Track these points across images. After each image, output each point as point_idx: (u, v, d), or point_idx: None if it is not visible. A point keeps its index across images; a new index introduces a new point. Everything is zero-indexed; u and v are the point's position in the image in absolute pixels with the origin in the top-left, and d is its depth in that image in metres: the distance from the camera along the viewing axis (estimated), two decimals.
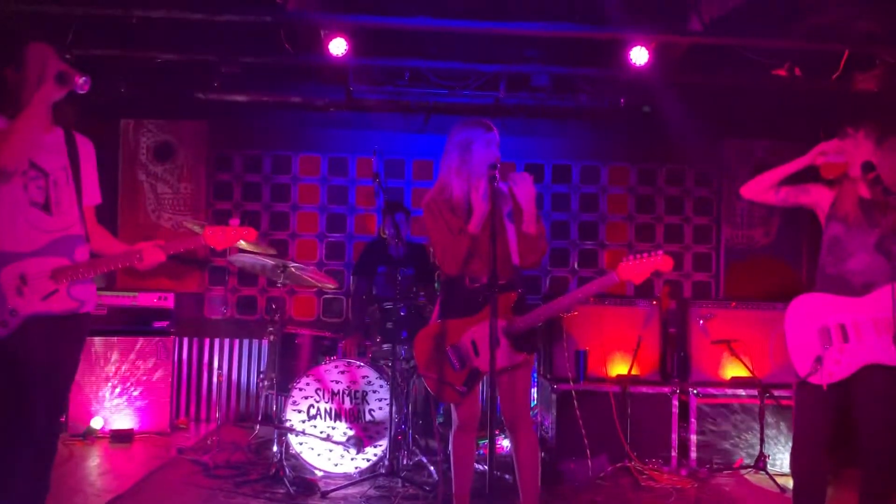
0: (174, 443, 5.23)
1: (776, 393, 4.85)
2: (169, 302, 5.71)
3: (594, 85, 6.01)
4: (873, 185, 3.07)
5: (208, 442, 5.09)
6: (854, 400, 3.11)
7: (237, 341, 6.33)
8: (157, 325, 5.63)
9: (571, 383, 4.86)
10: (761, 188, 3.39)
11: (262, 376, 4.99)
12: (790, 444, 4.81)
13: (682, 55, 5.47)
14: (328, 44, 5.21)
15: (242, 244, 4.47)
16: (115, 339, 5.46)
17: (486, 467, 2.89)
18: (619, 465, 4.73)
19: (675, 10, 5.07)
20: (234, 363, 6.31)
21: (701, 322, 5.18)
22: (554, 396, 4.88)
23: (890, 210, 3.09)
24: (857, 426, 3.12)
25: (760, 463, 4.76)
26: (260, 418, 5.13)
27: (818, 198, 3.29)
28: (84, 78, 2.71)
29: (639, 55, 5.19)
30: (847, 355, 3.07)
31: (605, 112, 6.13)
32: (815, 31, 4.98)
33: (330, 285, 5.00)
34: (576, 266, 6.70)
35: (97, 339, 5.41)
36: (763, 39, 5.16)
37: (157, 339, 5.56)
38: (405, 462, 4.50)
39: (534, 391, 5.86)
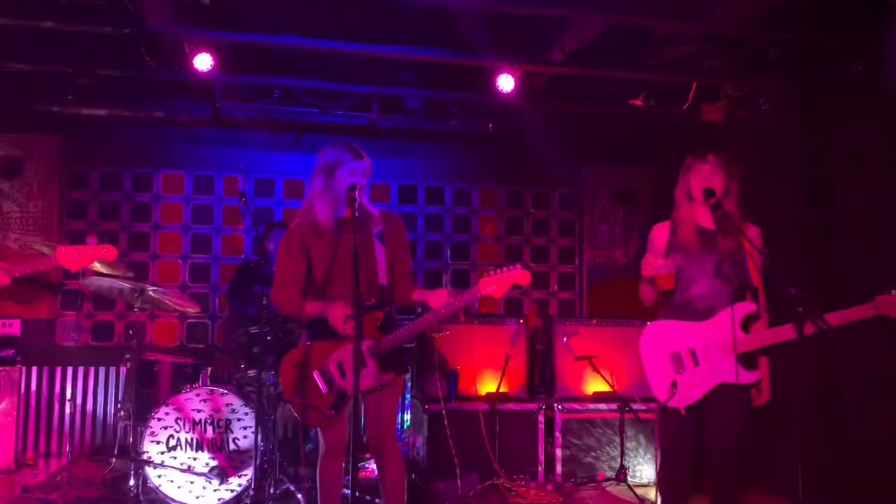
0: (19, 481, 4.84)
1: (635, 406, 5.08)
2: (15, 328, 5.33)
3: (465, 109, 6.15)
4: (714, 210, 3.28)
5: (58, 478, 4.73)
6: (705, 417, 3.28)
7: (92, 369, 5.94)
8: (2, 353, 5.21)
9: (442, 403, 4.90)
10: (653, 293, 3.46)
11: (118, 406, 4.72)
12: (648, 455, 5.11)
13: (545, 83, 5.71)
14: (193, 59, 5.06)
15: (97, 266, 4.23)
16: None
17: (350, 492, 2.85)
18: (488, 482, 4.80)
19: (539, 41, 5.28)
20: (88, 393, 5.91)
21: (565, 339, 5.36)
22: (425, 417, 4.89)
23: (726, 235, 3.31)
24: (707, 440, 3.30)
25: (622, 475, 4.96)
26: (116, 451, 4.83)
27: (661, 238, 3.46)
28: None
29: (505, 82, 5.37)
30: (699, 378, 3.23)
31: (475, 136, 6.30)
32: (666, 64, 5.32)
33: (192, 309, 4.81)
34: (449, 286, 6.78)
35: None
36: (619, 70, 5.48)
37: (1, 368, 5.14)
38: (272, 491, 4.36)
39: (406, 414, 5.86)
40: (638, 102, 5.92)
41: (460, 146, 6.71)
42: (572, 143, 6.43)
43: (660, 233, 3.46)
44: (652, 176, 6.89)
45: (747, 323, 3.21)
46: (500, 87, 5.37)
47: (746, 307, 3.19)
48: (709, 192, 3.28)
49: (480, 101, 5.96)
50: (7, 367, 5.17)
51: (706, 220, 3.37)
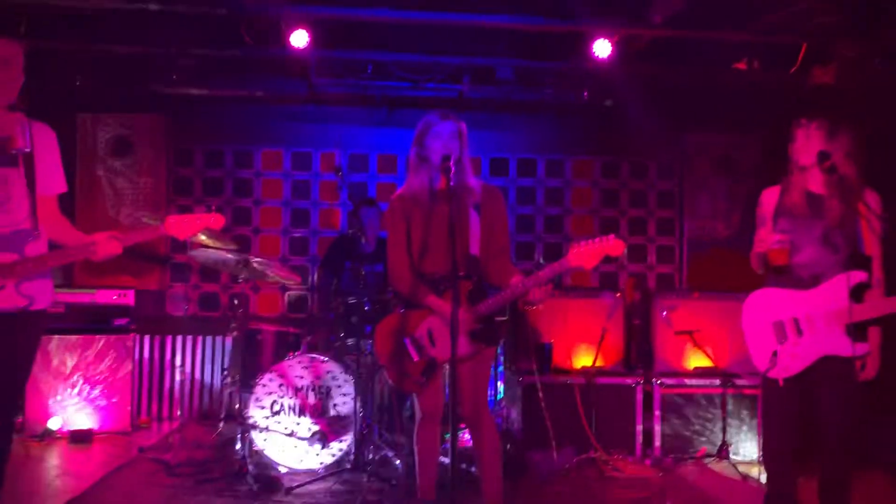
0: (135, 442, 5.13)
1: (738, 382, 4.92)
2: (129, 299, 5.60)
3: (558, 78, 6.03)
4: (829, 174, 3.11)
5: (170, 440, 5.01)
6: (811, 391, 3.15)
7: (199, 338, 6.23)
8: (117, 322, 5.52)
9: (536, 375, 4.87)
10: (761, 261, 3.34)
11: (225, 373, 4.92)
12: (752, 432, 4.94)
13: (643, 49, 5.51)
14: (289, 36, 5.15)
15: (204, 238, 4.39)
16: (73, 337, 5.34)
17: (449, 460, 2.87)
18: (584, 456, 4.75)
19: (637, 5, 5.10)
20: (196, 360, 6.21)
21: (664, 313, 5.22)
22: (519, 389, 4.89)
23: (840, 201, 3.13)
24: (816, 416, 3.17)
25: (723, 451, 4.83)
26: (223, 415, 5.05)
27: (770, 203, 3.31)
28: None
29: (602, 48, 5.22)
30: (802, 349, 3.11)
31: (569, 106, 6.16)
32: (773, 25, 5.05)
33: (293, 280, 4.95)
34: (541, 260, 6.70)
35: (55, 338, 5.28)
36: (723, 33, 5.23)
37: (117, 337, 5.45)
38: (371, 457, 4.47)
39: (500, 384, 5.87)
40: (742, 66, 5.65)
41: (553, 117, 6.60)
42: (671, 110, 6.20)
43: (769, 198, 3.32)
44: (757, 143, 6.58)
45: (858, 293, 3.04)
46: (597, 54, 5.22)
47: (858, 276, 3.04)
48: (823, 156, 3.11)
49: (574, 70, 5.83)
50: (123, 336, 5.47)
51: (817, 185, 3.21)
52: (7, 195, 2.71)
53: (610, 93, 5.93)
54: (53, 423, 5.22)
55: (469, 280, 3.25)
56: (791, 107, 4.73)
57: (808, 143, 3.17)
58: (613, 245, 3.04)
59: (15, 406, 2.94)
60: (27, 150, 2.73)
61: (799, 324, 3.12)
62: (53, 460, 4.73)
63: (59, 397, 5.28)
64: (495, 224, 3.39)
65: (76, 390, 5.31)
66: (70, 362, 5.32)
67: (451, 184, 3.09)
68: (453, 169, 3.13)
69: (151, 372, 6.14)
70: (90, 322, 5.45)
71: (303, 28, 5.13)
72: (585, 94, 5.99)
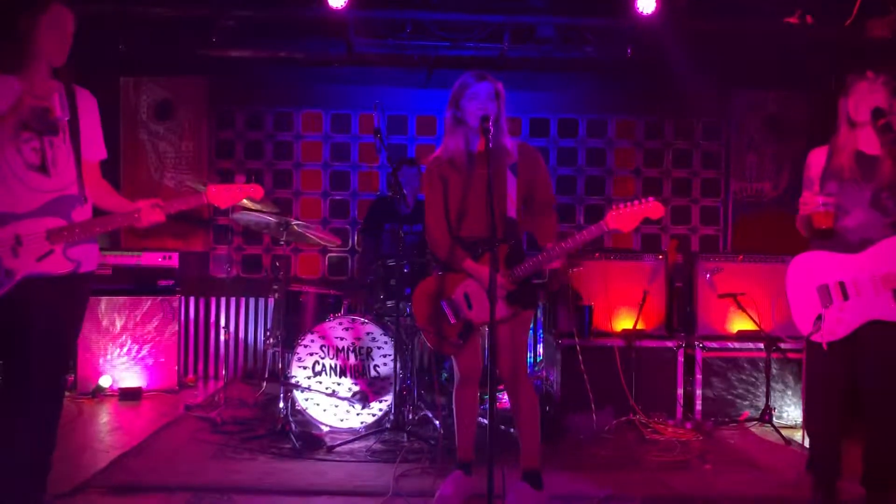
0: (182, 400, 5.28)
1: (783, 346, 4.83)
2: (174, 261, 5.71)
3: (600, 36, 5.87)
4: (883, 132, 2.99)
5: (215, 399, 5.13)
6: (857, 356, 3.09)
7: (243, 300, 6.35)
8: (163, 284, 5.64)
9: (576, 338, 4.85)
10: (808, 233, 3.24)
11: (267, 334, 5.01)
12: (796, 396, 4.87)
13: (689, 2, 5.33)
14: None
15: (246, 202, 4.43)
16: (120, 298, 5.48)
17: (488, 421, 2.88)
18: (623, 418, 4.74)
19: None
20: (240, 321, 6.34)
21: (708, 276, 5.13)
22: (559, 352, 4.88)
23: (889, 162, 3.01)
24: (861, 381, 3.10)
25: (766, 416, 4.76)
26: (266, 375, 5.15)
27: (818, 165, 3.21)
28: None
29: (646, 3, 5.09)
30: (848, 313, 3.04)
31: (611, 64, 6.00)
32: None
33: (333, 243, 4.98)
34: (582, 221, 6.65)
35: (103, 299, 5.43)
36: None
37: (163, 298, 5.57)
38: (410, 417, 4.52)
39: (540, 347, 5.87)
40: (793, 20, 5.42)
41: (595, 76, 6.46)
42: (718, 67, 6.01)
43: (816, 159, 3.21)
44: (807, 102, 6.37)
45: None
46: (641, 10, 5.08)
47: None
48: (878, 113, 3.00)
49: (617, 27, 5.67)
50: (168, 297, 5.59)
51: (869, 145, 3.10)
52: (55, 159, 2.75)
53: (654, 49, 5.74)
54: (104, 381, 5.39)
55: (506, 243, 3.23)
56: (845, 63, 4.55)
57: (867, 98, 3.05)
58: (653, 207, 3.02)
59: (66, 365, 3.02)
60: (65, 118, 2.76)
61: (845, 287, 3.05)
62: (104, 417, 4.89)
63: (108, 356, 5.44)
64: (536, 180, 3.35)
65: (125, 350, 5.47)
66: (119, 323, 5.47)
67: (490, 145, 3.05)
68: (492, 130, 3.08)
69: (197, 332, 6.28)
70: (137, 284, 5.58)
71: None
72: (629, 51, 5.83)
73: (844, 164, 3.11)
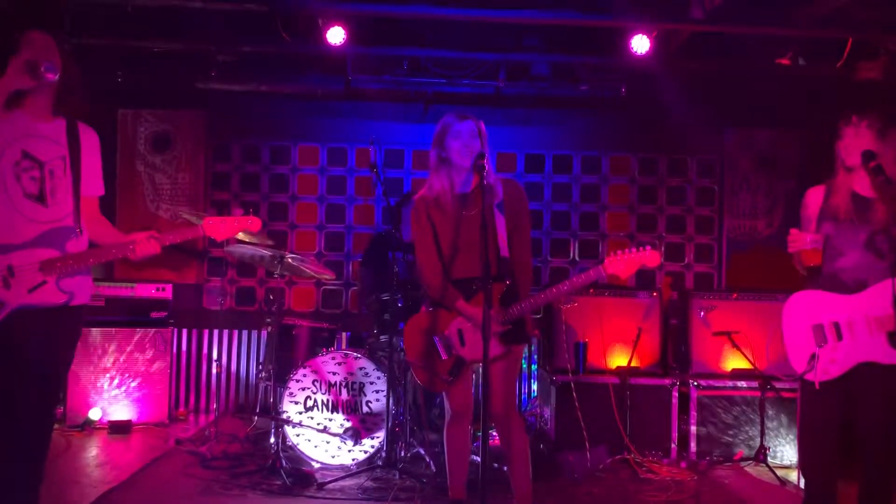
0: (172, 434, 5.22)
1: (777, 385, 4.82)
2: (167, 293, 5.69)
3: (595, 73, 5.96)
4: (874, 175, 3.02)
5: (206, 433, 5.07)
6: (852, 396, 3.08)
7: (236, 332, 6.31)
8: (156, 315, 5.61)
9: (570, 375, 4.83)
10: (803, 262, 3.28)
11: (260, 367, 4.97)
12: (791, 436, 4.84)
13: (683, 43, 5.42)
14: (326, 32, 5.17)
15: (241, 235, 4.43)
16: (113, 330, 5.44)
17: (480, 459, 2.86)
18: (618, 457, 4.69)
19: None
20: (232, 354, 6.29)
21: (702, 313, 5.13)
22: (553, 388, 4.85)
23: (885, 203, 3.04)
24: (856, 422, 3.09)
25: (761, 455, 4.73)
26: (258, 409, 5.11)
27: (815, 204, 3.23)
28: (46, 64, 2.65)
29: (640, 43, 5.15)
30: (841, 353, 3.04)
31: (606, 101, 6.08)
32: (817, 18, 4.92)
33: (327, 276, 4.97)
34: (576, 257, 6.66)
35: (95, 331, 5.39)
36: (765, 27, 5.11)
37: (156, 330, 5.54)
38: (402, 454, 4.48)
39: (534, 383, 5.84)
40: (785, 61, 5.51)
41: (590, 112, 6.53)
42: (712, 106, 6.10)
43: (814, 198, 3.24)
44: (800, 140, 6.43)
45: None
46: (635, 49, 5.14)
47: None
48: (868, 155, 3.02)
49: (611, 65, 5.76)
50: (161, 329, 5.56)
51: (864, 187, 3.12)
52: (54, 190, 2.75)
53: (648, 87, 5.83)
54: (94, 414, 5.33)
55: (501, 282, 3.23)
56: (836, 103, 4.61)
57: (856, 142, 3.08)
58: (650, 256, 3.10)
59: (57, 397, 2.99)
60: (66, 151, 2.78)
61: (840, 328, 3.05)
62: (93, 450, 4.83)
63: (99, 388, 5.38)
64: (518, 219, 3.35)
65: (116, 382, 5.42)
66: (110, 354, 5.42)
67: (485, 182, 3.08)
68: (486, 168, 3.11)
69: (189, 365, 6.23)
70: (129, 315, 5.55)
71: (339, 25, 5.16)
72: (623, 89, 5.91)
73: (840, 205, 3.13)
